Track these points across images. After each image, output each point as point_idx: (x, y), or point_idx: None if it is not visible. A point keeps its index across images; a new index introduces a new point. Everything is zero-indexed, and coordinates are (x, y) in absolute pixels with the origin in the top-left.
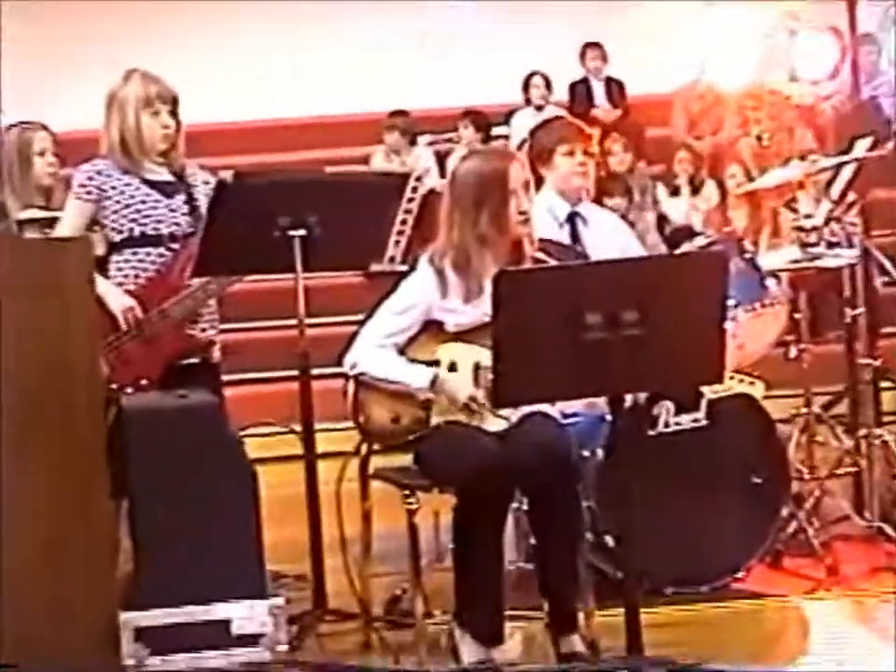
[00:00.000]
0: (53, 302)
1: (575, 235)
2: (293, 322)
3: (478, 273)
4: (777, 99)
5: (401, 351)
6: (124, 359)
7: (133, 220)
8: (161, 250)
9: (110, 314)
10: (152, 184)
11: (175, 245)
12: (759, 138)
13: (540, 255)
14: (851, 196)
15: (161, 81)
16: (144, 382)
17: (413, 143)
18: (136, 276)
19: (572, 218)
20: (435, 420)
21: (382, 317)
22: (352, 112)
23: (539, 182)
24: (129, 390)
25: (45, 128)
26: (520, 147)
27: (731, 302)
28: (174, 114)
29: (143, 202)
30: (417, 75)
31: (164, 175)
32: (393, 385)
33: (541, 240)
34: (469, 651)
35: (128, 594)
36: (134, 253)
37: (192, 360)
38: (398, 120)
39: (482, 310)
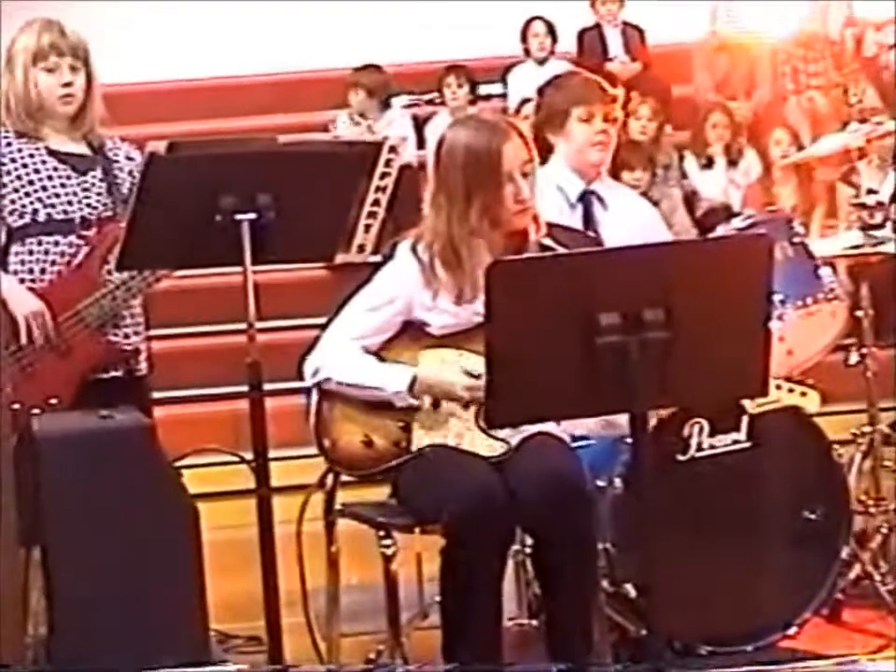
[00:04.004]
0: None
1: (589, 218)
2: (241, 326)
3: (471, 270)
4: (832, 49)
5: (375, 356)
6: (30, 374)
7: (38, 201)
8: (72, 238)
9: (13, 318)
10: (61, 157)
11: (89, 232)
12: (810, 98)
13: (549, 242)
14: None
15: (58, 28)
16: (54, 401)
17: (386, 105)
18: (42, 271)
19: (586, 198)
20: (417, 441)
21: (352, 314)
22: (312, 68)
23: (549, 151)
24: (36, 411)
25: None
26: (518, 110)
27: (777, 298)
28: (80, 70)
29: (49, 178)
30: (390, 22)
31: (77, 147)
32: (364, 393)
33: (549, 224)
34: None
35: (40, 664)
36: (39, 242)
37: (114, 374)
38: (364, 77)
39: (473, 309)
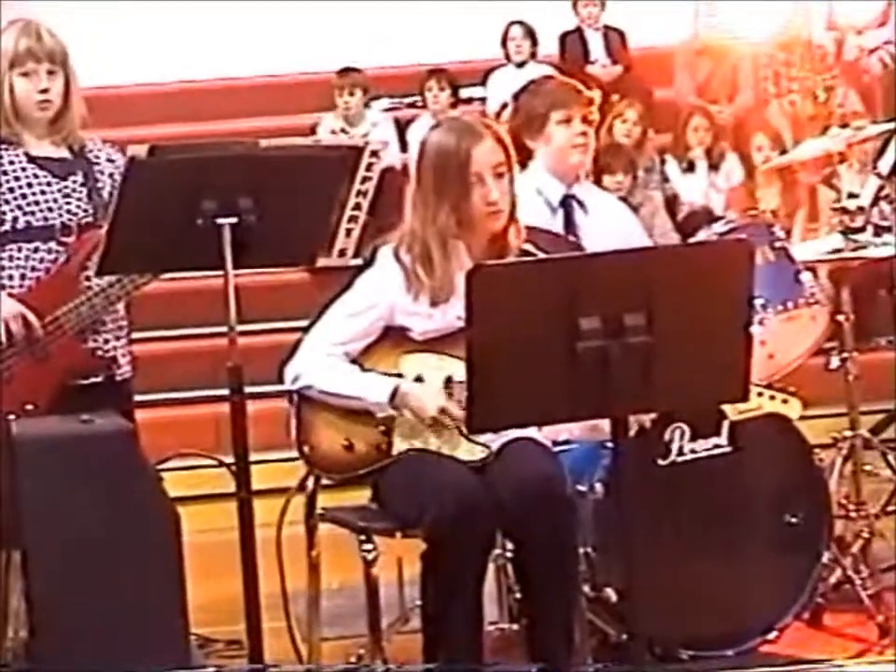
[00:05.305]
0: None
1: (569, 222)
2: (222, 329)
3: (445, 271)
4: (813, 53)
5: (356, 363)
6: (7, 379)
7: (18, 208)
8: (52, 245)
9: None
10: (41, 162)
11: (69, 239)
12: (792, 102)
13: (529, 247)
14: None
15: (36, 32)
16: (30, 407)
17: (365, 105)
18: (22, 277)
19: (567, 202)
20: (398, 447)
21: (333, 320)
22: (294, 72)
23: (527, 156)
24: (12, 417)
25: None
26: (499, 114)
27: (758, 302)
28: (58, 74)
29: (29, 185)
30: (373, 25)
31: (57, 152)
32: (345, 402)
33: (529, 228)
34: None
35: (20, 668)
36: (19, 249)
37: (94, 379)
38: (346, 80)
39: (454, 313)
